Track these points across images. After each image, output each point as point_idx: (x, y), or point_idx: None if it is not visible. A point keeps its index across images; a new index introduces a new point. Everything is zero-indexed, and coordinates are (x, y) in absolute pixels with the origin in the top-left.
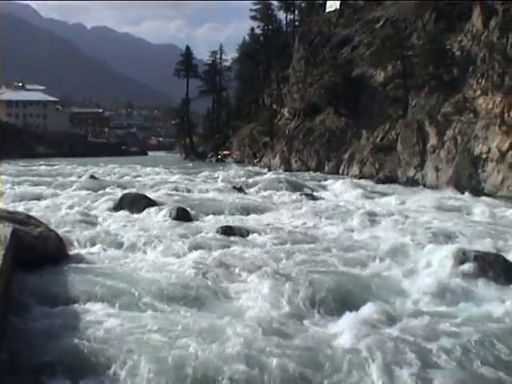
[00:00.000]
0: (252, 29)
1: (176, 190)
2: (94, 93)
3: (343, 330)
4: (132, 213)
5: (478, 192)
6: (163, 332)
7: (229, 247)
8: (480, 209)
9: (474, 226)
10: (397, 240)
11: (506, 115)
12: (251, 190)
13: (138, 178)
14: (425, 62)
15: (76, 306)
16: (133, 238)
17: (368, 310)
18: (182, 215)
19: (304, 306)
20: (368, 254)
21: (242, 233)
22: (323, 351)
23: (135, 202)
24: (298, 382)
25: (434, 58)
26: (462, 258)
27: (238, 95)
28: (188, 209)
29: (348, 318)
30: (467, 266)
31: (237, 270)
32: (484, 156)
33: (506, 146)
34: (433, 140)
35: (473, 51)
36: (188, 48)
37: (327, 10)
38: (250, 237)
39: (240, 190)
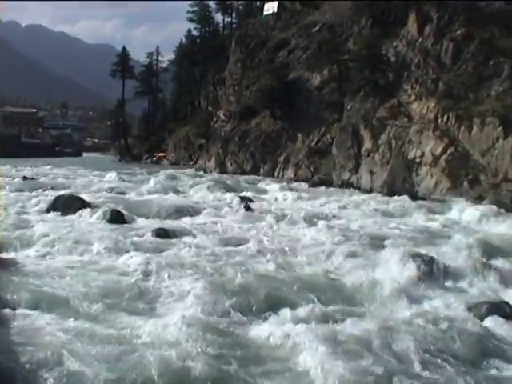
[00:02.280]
0: (189, 30)
1: (110, 191)
2: (28, 92)
3: (275, 330)
4: (66, 215)
5: (412, 195)
6: (93, 336)
7: (163, 249)
8: (415, 212)
9: (410, 229)
10: (333, 242)
11: (439, 120)
12: (186, 192)
13: (72, 180)
14: (360, 67)
15: (5, 310)
16: (66, 240)
17: (300, 310)
18: (116, 217)
19: (237, 308)
20: (304, 256)
21: (177, 235)
22: (254, 351)
23: (69, 204)
24: (227, 382)
25: (369, 63)
26: (407, 259)
27: (174, 97)
28: (122, 211)
29: (279, 317)
30: (406, 268)
31: (170, 272)
32: (418, 160)
33: (439, 151)
34: (368, 144)
35: (408, 57)
36: (124, 48)
37: (264, 13)
38: (185, 239)
39: (175, 192)
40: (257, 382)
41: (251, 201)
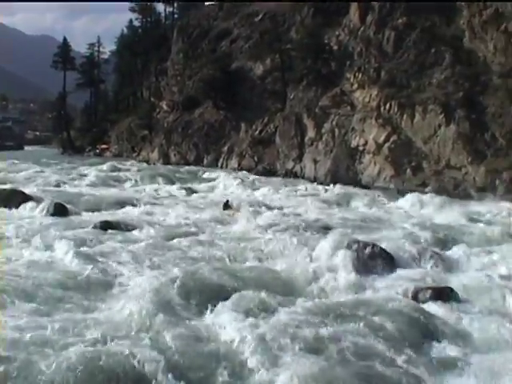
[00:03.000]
0: (130, 21)
1: (53, 184)
2: None
3: (220, 320)
4: (7, 208)
5: (355, 183)
6: (37, 328)
7: (107, 242)
8: (358, 200)
9: (353, 217)
10: (276, 230)
11: (382, 108)
12: (129, 184)
13: (14, 173)
14: (303, 56)
15: None
16: (7, 234)
17: (244, 299)
18: (59, 210)
19: (181, 299)
20: (249, 246)
21: (121, 227)
22: (200, 341)
23: (11, 198)
24: (173, 373)
25: (312, 52)
26: (347, 246)
27: (116, 88)
28: (65, 204)
29: (221, 308)
30: (348, 255)
31: (115, 265)
32: (361, 148)
33: (382, 139)
34: (311, 133)
35: (350, 46)
36: (65, 39)
37: (206, 3)
38: (128, 231)
39: (118, 184)
40: (202, 372)
41: (194, 191)
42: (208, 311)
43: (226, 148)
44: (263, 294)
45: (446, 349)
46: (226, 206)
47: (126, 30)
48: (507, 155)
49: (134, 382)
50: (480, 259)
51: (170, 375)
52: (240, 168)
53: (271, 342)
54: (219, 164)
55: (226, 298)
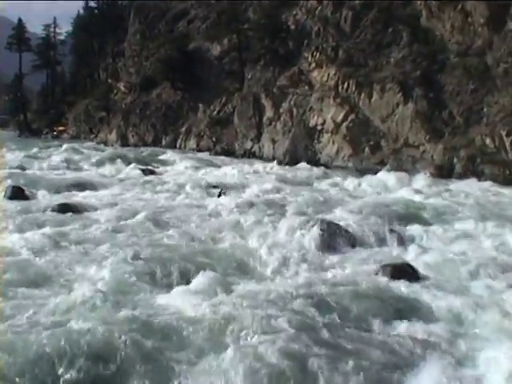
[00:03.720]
0: (86, 2)
1: (10, 167)
2: None
3: (179, 300)
4: None
5: (314, 163)
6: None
7: (66, 224)
8: (317, 179)
9: (313, 196)
10: (236, 211)
11: (339, 87)
12: (86, 166)
13: None
14: (260, 36)
15: None
16: None
17: (207, 279)
18: (16, 194)
19: (142, 280)
20: (207, 225)
21: (79, 209)
22: (164, 321)
23: None
24: (142, 352)
25: (269, 32)
26: (306, 225)
27: (73, 70)
28: (23, 187)
29: (183, 287)
30: (309, 234)
31: (74, 247)
32: (319, 127)
33: (340, 118)
34: (269, 112)
35: (307, 25)
36: (20, 20)
37: None
38: (87, 213)
39: (76, 166)
40: (163, 350)
41: (153, 172)
42: (169, 290)
43: (184, 129)
44: (227, 274)
45: (407, 325)
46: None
47: (82, 11)
48: (465, 133)
49: (93, 361)
50: (439, 236)
51: (126, 353)
52: (198, 149)
53: (233, 321)
54: (177, 145)
55: (187, 278)
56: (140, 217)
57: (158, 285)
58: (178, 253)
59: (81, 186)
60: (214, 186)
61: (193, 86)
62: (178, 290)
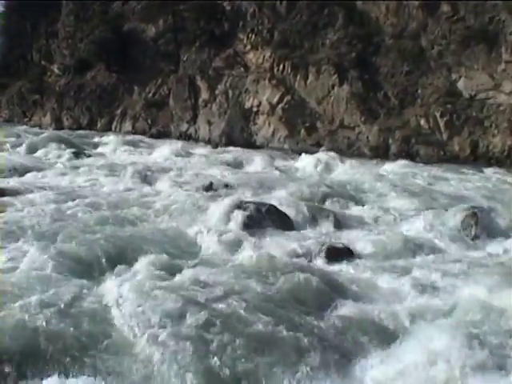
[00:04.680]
0: None
1: None
2: None
3: (118, 285)
4: None
5: (250, 144)
6: None
7: None
8: (253, 161)
9: (248, 178)
10: (170, 194)
11: (275, 69)
12: (20, 149)
13: None
14: (196, 17)
15: None
16: None
17: (143, 263)
18: None
19: (79, 266)
20: (142, 209)
21: (11, 193)
22: (98, 308)
23: None
24: (76, 343)
25: (204, 13)
26: (239, 208)
27: (5, 51)
28: None
29: (120, 273)
30: (245, 216)
31: (6, 234)
32: (255, 109)
33: (275, 99)
34: (205, 94)
35: (243, 6)
36: None
37: None
38: (20, 198)
39: (9, 149)
40: (98, 335)
41: (87, 155)
42: (106, 276)
43: (119, 111)
44: (159, 257)
45: (346, 306)
46: (210, 188)
47: None
48: (400, 114)
49: (19, 348)
50: (375, 216)
51: (57, 341)
52: (134, 131)
53: (165, 305)
54: (113, 127)
55: (122, 262)
56: (74, 201)
57: (94, 271)
58: (112, 236)
59: (11, 170)
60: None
61: (128, 67)
62: (114, 275)
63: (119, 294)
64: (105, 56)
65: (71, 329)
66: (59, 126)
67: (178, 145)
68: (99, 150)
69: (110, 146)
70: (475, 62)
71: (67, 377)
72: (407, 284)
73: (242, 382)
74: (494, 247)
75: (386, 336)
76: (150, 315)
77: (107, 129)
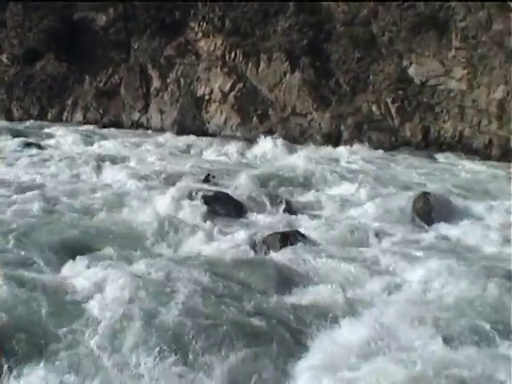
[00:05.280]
0: None
1: None
2: None
3: (74, 276)
4: None
5: (202, 132)
6: None
7: None
8: (206, 149)
9: (202, 166)
10: (127, 183)
11: (227, 57)
12: None
13: None
14: (146, 6)
15: None
16: None
17: (96, 254)
18: None
19: (36, 256)
20: (99, 199)
21: None
22: (55, 297)
23: None
24: (35, 331)
25: (155, 1)
26: (192, 196)
27: None
28: None
29: (78, 264)
30: (197, 204)
31: None
32: (207, 97)
33: (227, 87)
34: (156, 83)
35: None
36: None
37: None
38: None
39: None
40: (57, 325)
41: (38, 146)
42: (63, 267)
43: (70, 101)
44: (112, 248)
45: (298, 292)
46: (207, 179)
47: None
48: (351, 101)
49: None
50: (327, 202)
51: (13, 331)
52: (85, 121)
53: (122, 295)
54: (64, 118)
55: (81, 253)
56: (27, 191)
57: (51, 262)
58: (69, 227)
59: None
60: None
61: (78, 57)
62: (70, 266)
63: (74, 284)
64: (54, 45)
65: (27, 318)
66: (9, 117)
67: (131, 133)
68: (50, 140)
69: (62, 136)
70: (426, 48)
71: (25, 364)
72: (359, 269)
73: (195, 366)
74: (446, 231)
75: (338, 319)
76: (104, 305)
77: (58, 119)
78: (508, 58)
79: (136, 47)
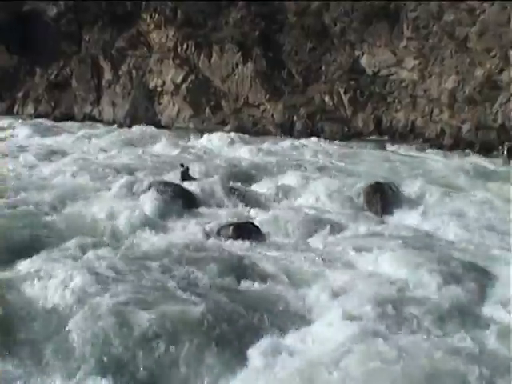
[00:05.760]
0: None
1: None
2: None
3: (32, 268)
4: None
5: (155, 125)
6: None
7: None
8: (158, 141)
9: (154, 159)
10: (75, 175)
11: (179, 49)
12: None
13: None
14: None
15: None
16: None
17: (50, 249)
18: None
19: None
20: (52, 193)
21: None
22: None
23: None
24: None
25: None
26: (146, 189)
27: None
28: None
29: (33, 257)
30: (151, 197)
31: None
32: (159, 89)
33: (179, 79)
34: (108, 75)
35: None
36: None
37: None
38: None
39: None
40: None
41: None
42: (23, 260)
43: (21, 94)
44: (64, 243)
45: (253, 284)
46: (185, 174)
47: None
48: (304, 92)
49: None
50: (280, 193)
51: None
52: (37, 114)
53: (70, 288)
54: (15, 111)
55: (24, 249)
56: None
57: (9, 256)
58: (12, 222)
59: None
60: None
61: (29, 49)
62: (29, 259)
63: (20, 280)
64: (4, 37)
65: None
66: None
67: (83, 126)
68: (1, 133)
69: (13, 129)
70: (378, 38)
71: None
72: (311, 260)
73: (149, 357)
74: (398, 221)
75: (290, 310)
76: (51, 297)
77: (9, 112)
78: (459, 48)
79: (87, 39)
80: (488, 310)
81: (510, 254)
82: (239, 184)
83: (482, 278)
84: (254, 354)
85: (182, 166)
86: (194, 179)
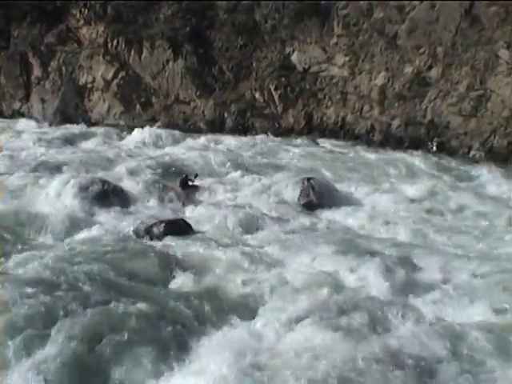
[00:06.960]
0: None
1: None
2: None
3: None
4: None
5: (85, 121)
6: None
7: None
8: (90, 138)
9: (86, 155)
10: (9, 172)
11: (109, 45)
12: None
13: None
14: None
15: None
16: None
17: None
18: None
19: None
20: None
21: None
22: None
23: None
24: None
25: None
26: (78, 187)
27: None
28: None
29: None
30: (83, 195)
31: None
32: (90, 86)
33: (110, 75)
34: (37, 71)
35: None
36: None
37: None
38: None
39: None
40: None
41: None
42: None
43: None
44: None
45: (185, 281)
46: (185, 183)
47: None
48: (235, 88)
49: None
50: (213, 190)
51: None
52: None
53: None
54: None
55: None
56: None
57: None
58: None
59: None
60: None
61: None
62: None
63: None
64: None
65: None
66: None
67: (11, 123)
68: None
69: None
70: (308, 35)
71: None
72: (243, 257)
73: (81, 359)
74: (330, 215)
75: (222, 305)
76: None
77: None
78: (388, 45)
79: (16, 35)
80: (412, 299)
81: (433, 247)
82: (171, 181)
83: (407, 269)
84: (190, 350)
85: (197, 175)
86: (194, 186)
